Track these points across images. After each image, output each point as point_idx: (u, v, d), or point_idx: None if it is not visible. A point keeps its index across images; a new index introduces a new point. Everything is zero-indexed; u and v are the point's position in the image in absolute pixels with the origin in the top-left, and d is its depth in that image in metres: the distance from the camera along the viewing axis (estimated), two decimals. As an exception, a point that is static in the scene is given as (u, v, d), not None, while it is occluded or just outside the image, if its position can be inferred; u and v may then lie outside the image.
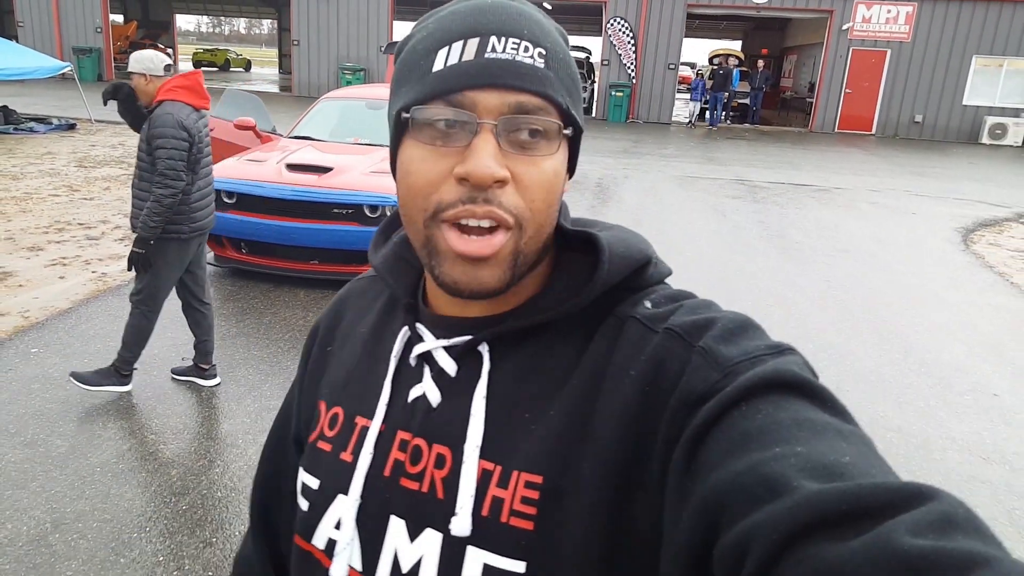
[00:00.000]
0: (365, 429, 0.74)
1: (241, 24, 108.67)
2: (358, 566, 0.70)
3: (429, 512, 0.67)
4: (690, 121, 22.65)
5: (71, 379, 3.96)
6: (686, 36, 23.60)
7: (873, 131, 22.24)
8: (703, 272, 7.10)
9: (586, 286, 0.69)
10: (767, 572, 0.44)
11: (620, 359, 0.65)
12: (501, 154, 0.63)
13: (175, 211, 3.81)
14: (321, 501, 0.74)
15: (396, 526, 0.68)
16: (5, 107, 14.34)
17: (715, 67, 23.83)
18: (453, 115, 0.63)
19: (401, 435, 0.71)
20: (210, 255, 6.29)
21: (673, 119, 23.15)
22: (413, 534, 0.67)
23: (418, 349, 0.73)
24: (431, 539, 0.66)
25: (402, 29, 26.73)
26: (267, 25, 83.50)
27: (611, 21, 22.39)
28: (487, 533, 0.63)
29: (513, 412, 0.67)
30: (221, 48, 46.67)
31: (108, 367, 4.04)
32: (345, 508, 0.71)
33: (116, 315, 5.13)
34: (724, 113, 23.61)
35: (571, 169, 0.73)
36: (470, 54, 0.63)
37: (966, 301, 6.79)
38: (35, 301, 5.44)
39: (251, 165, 6.20)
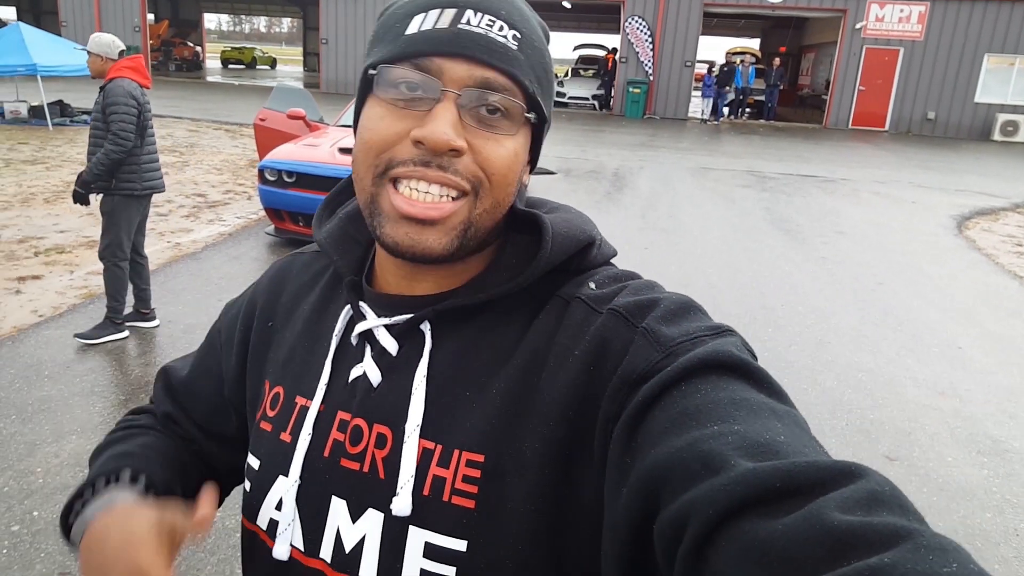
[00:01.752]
0: (305, 409, 0.74)
1: (261, 23, 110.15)
2: (300, 546, 0.71)
3: (370, 492, 0.67)
4: (704, 118, 23.35)
5: (76, 339, 4.61)
6: (704, 34, 24.25)
7: (886, 128, 22.78)
8: (708, 248, 7.81)
9: (529, 265, 0.70)
10: (703, 547, 0.46)
11: (564, 339, 0.66)
12: (461, 125, 0.63)
13: (129, 171, 4.56)
14: (262, 482, 0.74)
15: (337, 506, 0.69)
16: (60, 101, 15.30)
17: (723, 65, 24.52)
18: (419, 79, 0.64)
19: (341, 415, 0.71)
20: (271, 227, 7.13)
21: (689, 115, 23.82)
22: (355, 514, 0.68)
23: (359, 327, 0.73)
24: (373, 519, 0.67)
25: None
26: (287, 24, 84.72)
27: (629, 20, 23.09)
28: (428, 512, 0.64)
29: (454, 391, 0.67)
30: (248, 47, 47.78)
31: (103, 321, 4.72)
32: (285, 489, 0.72)
33: (194, 274, 6.01)
34: (741, 109, 24.23)
35: (533, 161, 0.74)
36: (444, 22, 0.64)
37: (948, 275, 7.47)
38: (124, 264, 6.28)
39: (308, 149, 7.01)
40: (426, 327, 0.70)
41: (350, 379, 0.72)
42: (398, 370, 0.70)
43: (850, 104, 22.96)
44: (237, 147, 12.97)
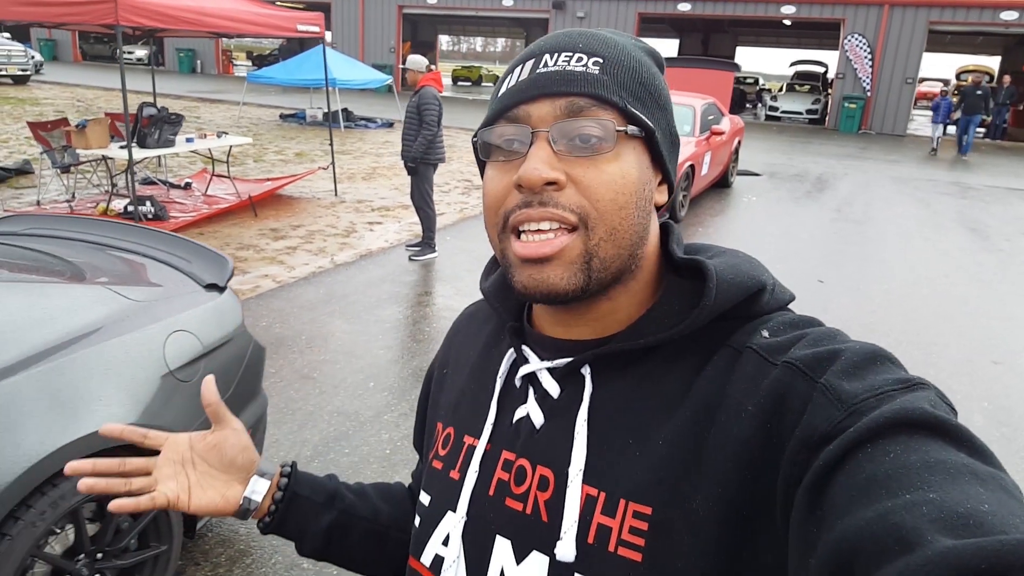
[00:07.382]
0: (472, 448, 0.77)
1: (478, 42, 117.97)
2: None
3: (534, 534, 0.69)
4: (934, 148, 19.10)
5: (408, 256, 7.12)
6: (936, 51, 23.84)
7: None
8: (889, 236, 9.11)
9: (691, 312, 0.68)
10: None
11: (736, 392, 0.63)
12: (558, 158, 0.65)
13: (431, 148, 6.77)
14: (431, 518, 0.79)
15: (502, 546, 0.70)
16: (346, 109, 18.94)
17: (966, 84, 21.81)
18: (512, 130, 0.68)
19: (505, 455, 0.74)
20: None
21: (908, 132, 23.71)
22: (519, 556, 0.69)
23: (523, 370, 0.76)
24: (538, 562, 0.68)
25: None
26: (501, 44, 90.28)
27: (849, 36, 23.55)
28: (594, 561, 0.64)
29: (615, 437, 0.68)
30: (476, 65, 52.49)
31: (423, 246, 7.18)
32: (452, 525, 0.75)
33: (474, 233, 8.36)
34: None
35: (667, 178, 0.73)
36: (525, 73, 0.69)
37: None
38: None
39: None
40: (586, 371, 0.71)
41: (514, 420, 0.75)
42: (560, 413, 0.72)
43: (1091, 123, 21.80)
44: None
